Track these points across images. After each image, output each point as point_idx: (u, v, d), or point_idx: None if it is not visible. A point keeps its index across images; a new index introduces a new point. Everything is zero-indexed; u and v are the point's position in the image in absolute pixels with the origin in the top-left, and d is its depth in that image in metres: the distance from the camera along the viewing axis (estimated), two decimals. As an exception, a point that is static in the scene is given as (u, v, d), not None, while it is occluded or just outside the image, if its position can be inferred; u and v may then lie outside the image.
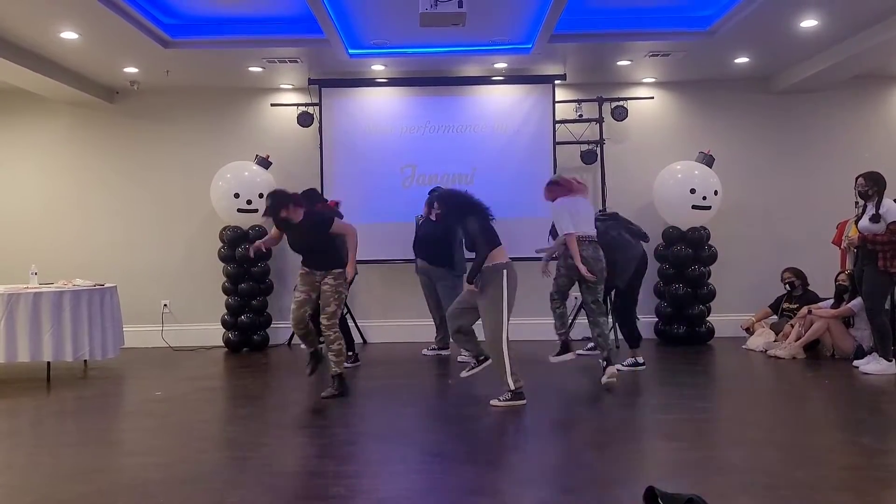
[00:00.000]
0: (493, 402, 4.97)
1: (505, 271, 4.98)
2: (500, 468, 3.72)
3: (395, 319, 8.06)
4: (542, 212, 7.89)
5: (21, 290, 6.14)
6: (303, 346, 5.72)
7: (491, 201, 5.35)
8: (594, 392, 5.57)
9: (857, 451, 3.93)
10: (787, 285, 7.51)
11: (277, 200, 5.36)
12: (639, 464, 3.88)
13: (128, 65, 7.30)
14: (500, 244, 5.09)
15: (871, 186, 5.99)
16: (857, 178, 6.14)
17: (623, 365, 6.11)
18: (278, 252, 7.51)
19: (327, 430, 4.57)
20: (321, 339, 5.51)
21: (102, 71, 7.50)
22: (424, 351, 7.14)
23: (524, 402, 4.95)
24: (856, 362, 6.28)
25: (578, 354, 5.93)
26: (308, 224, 5.45)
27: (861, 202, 6.18)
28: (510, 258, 5.11)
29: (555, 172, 7.91)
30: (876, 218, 5.91)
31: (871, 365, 5.99)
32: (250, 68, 7.53)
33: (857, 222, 6.20)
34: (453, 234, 6.41)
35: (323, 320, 5.37)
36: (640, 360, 6.26)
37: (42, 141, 8.32)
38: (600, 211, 7.32)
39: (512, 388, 4.94)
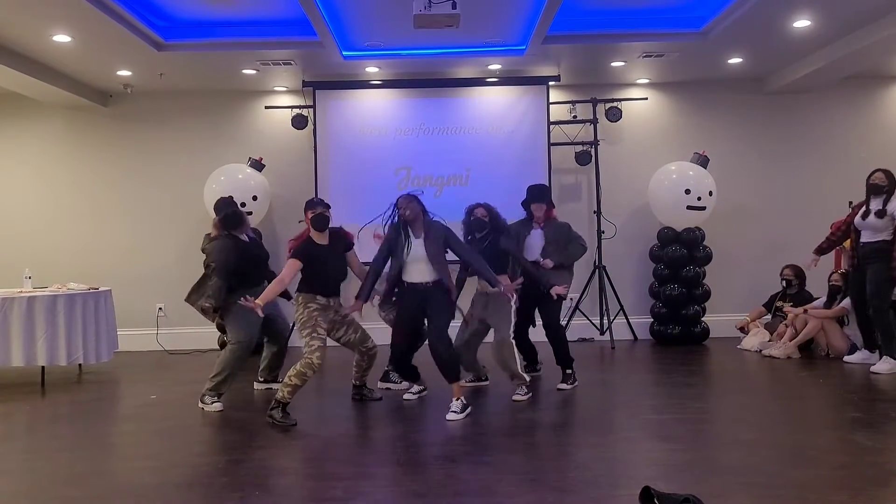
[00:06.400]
0: (517, 397, 5.20)
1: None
2: (497, 469, 3.72)
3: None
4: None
5: (15, 295, 6.12)
6: (281, 394, 4.66)
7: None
8: (589, 392, 5.57)
9: (852, 450, 3.94)
10: (784, 282, 7.52)
11: (321, 201, 5.07)
12: (635, 464, 3.89)
13: (121, 68, 7.29)
14: None
15: (890, 183, 5.95)
16: (874, 172, 6.05)
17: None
18: (272, 253, 7.42)
19: (323, 433, 4.57)
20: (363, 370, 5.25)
21: (96, 74, 7.48)
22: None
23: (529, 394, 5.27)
24: (846, 358, 6.30)
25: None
26: (335, 244, 5.03)
27: (864, 199, 6.11)
28: None
29: (549, 174, 7.94)
30: (881, 213, 5.88)
31: (881, 364, 5.94)
32: (244, 71, 7.52)
33: (864, 217, 6.06)
34: None
35: (368, 345, 5.16)
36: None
37: (35, 145, 8.30)
38: None
39: (527, 380, 5.29)
